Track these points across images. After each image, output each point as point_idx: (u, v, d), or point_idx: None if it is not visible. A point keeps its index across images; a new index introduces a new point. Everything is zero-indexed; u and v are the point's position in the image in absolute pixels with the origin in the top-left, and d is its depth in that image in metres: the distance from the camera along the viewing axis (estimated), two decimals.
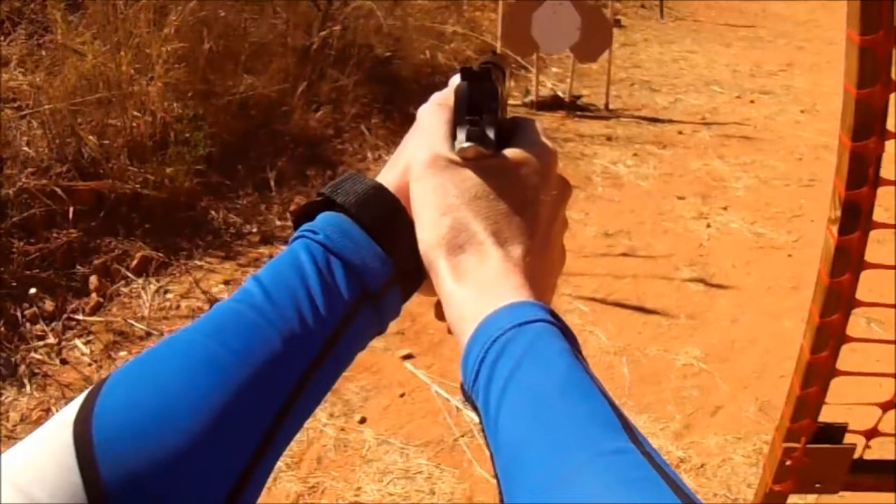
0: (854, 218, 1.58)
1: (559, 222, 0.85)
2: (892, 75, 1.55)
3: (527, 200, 0.80)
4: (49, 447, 0.61)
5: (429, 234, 0.78)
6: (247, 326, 0.71)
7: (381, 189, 0.82)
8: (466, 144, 0.79)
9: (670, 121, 8.08)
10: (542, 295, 0.77)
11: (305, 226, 0.80)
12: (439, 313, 0.82)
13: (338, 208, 0.80)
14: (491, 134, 0.80)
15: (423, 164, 0.80)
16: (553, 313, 0.72)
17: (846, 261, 1.61)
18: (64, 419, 0.63)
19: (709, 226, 5.86)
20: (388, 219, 0.80)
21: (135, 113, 5.18)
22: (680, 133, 7.76)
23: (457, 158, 0.79)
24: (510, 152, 0.81)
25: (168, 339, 0.71)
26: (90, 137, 4.91)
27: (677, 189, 6.49)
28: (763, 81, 9.59)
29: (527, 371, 0.66)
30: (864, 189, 1.56)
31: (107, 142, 5.03)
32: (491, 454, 0.65)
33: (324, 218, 0.80)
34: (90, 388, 0.66)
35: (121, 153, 5.02)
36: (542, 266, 0.80)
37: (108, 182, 4.83)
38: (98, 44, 5.24)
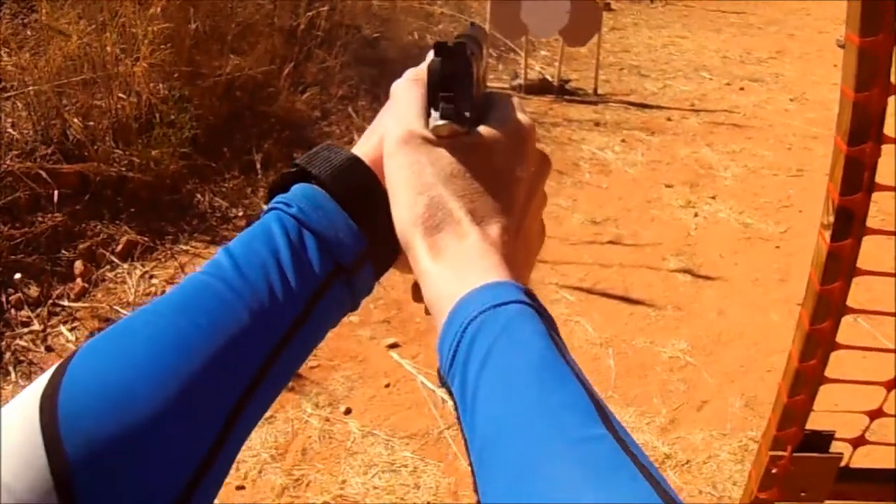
0: (847, 224, 1.56)
1: (538, 199, 0.84)
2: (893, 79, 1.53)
3: (503, 178, 0.79)
4: (15, 420, 0.60)
5: (405, 212, 0.77)
6: (215, 300, 0.70)
7: (356, 161, 0.81)
8: (440, 122, 0.77)
9: (659, 107, 8.08)
10: (520, 273, 0.76)
11: (279, 197, 0.79)
12: (416, 295, 0.81)
13: (312, 179, 0.79)
14: (465, 111, 0.79)
15: (397, 140, 0.78)
16: (530, 293, 0.70)
17: (838, 267, 1.59)
18: (33, 392, 0.62)
19: (696, 215, 5.86)
20: (362, 192, 0.80)
21: (120, 94, 5.14)
22: (668, 119, 7.76)
23: (431, 136, 0.78)
24: (485, 129, 0.80)
25: (137, 311, 0.70)
26: (75, 119, 4.88)
27: (665, 177, 6.49)
28: (753, 69, 9.60)
29: (501, 355, 0.64)
30: (859, 195, 1.55)
31: (92, 123, 4.99)
32: (465, 440, 0.65)
33: (297, 189, 0.79)
34: (60, 361, 0.66)
35: (106, 135, 4.99)
36: (519, 244, 0.79)
37: (93, 165, 4.80)
38: (83, 24, 5.20)
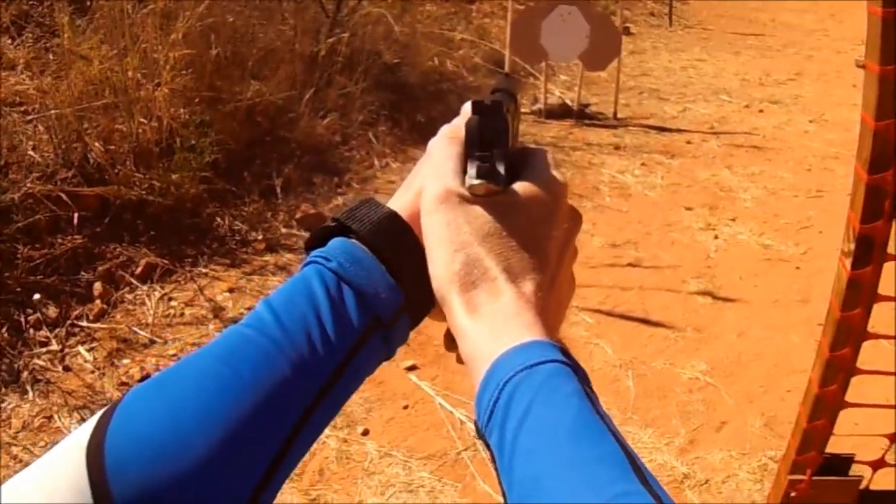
0: (868, 251, 1.56)
1: (570, 253, 0.85)
2: None
3: (537, 235, 0.80)
4: (61, 469, 0.62)
5: (442, 270, 0.77)
6: (258, 353, 0.71)
7: (395, 216, 0.82)
8: (477, 182, 0.78)
9: (679, 130, 8.08)
10: (553, 326, 0.78)
11: (318, 251, 0.80)
12: (449, 344, 0.82)
13: (351, 234, 0.81)
14: (501, 169, 0.79)
15: (434, 198, 0.79)
16: (564, 351, 0.72)
17: (858, 294, 1.59)
18: (78, 441, 0.63)
19: (716, 237, 5.85)
20: (401, 247, 0.81)
21: (141, 119, 5.17)
22: (688, 142, 7.75)
23: (468, 194, 0.79)
24: (520, 187, 0.80)
25: (181, 362, 0.71)
26: (96, 143, 4.90)
27: (685, 199, 6.48)
28: (772, 90, 9.59)
29: (538, 413, 0.66)
30: (879, 223, 1.54)
31: (112, 147, 5.02)
32: (504, 494, 0.65)
33: (336, 244, 0.80)
34: (104, 408, 0.67)
35: (126, 159, 5.02)
36: (552, 298, 0.79)
37: (114, 188, 4.83)
38: (105, 48, 5.23)
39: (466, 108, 0.84)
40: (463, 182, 0.80)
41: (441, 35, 8.77)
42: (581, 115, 8.09)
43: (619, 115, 8.21)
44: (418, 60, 7.92)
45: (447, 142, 0.84)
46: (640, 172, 6.96)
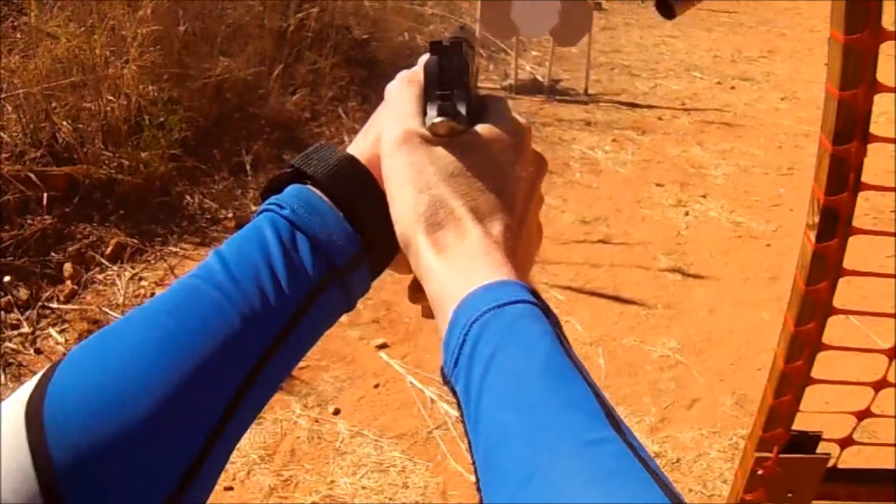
0: (832, 224, 1.55)
1: (535, 199, 0.84)
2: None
3: (503, 177, 0.79)
4: (1, 427, 0.60)
5: (406, 211, 0.76)
6: (206, 304, 0.70)
7: (352, 160, 0.81)
8: (438, 120, 0.77)
9: (650, 106, 8.09)
10: (523, 272, 0.76)
11: (272, 199, 0.78)
12: (413, 296, 0.82)
13: (308, 180, 0.79)
14: (462, 109, 0.79)
15: (395, 140, 0.78)
16: (534, 292, 0.71)
17: (823, 268, 1.58)
18: (19, 398, 0.62)
19: (687, 214, 5.86)
20: (359, 191, 0.80)
21: (109, 97, 5.13)
22: (659, 119, 7.77)
23: (429, 135, 0.78)
24: (483, 128, 0.80)
25: (126, 316, 0.70)
26: (64, 122, 4.87)
27: (656, 176, 6.49)
28: (744, 67, 9.62)
29: (506, 357, 0.64)
30: (844, 195, 1.53)
31: (81, 126, 4.98)
32: (469, 442, 0.64)
33: (291, 191, 0.79)
34: (47, 366, 0.65)
35: (95, 137, 4.98)
36: (520, 242, 0.79)
37: (83, 167, 4.79)
38: (73, 26, 5.19)
39: (425, 56, 0.83)
40: (423, 123, 0.79)
41: (411, 10, 8.74)
42: (552, 91, 8.09)
43: (590, 91, 8.21)
44: (388, 35, 7.90)
45: (405, 84, 0.84)
46: (610, 149, 6.96)
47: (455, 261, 0.74)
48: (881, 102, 1.56)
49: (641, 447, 0.58)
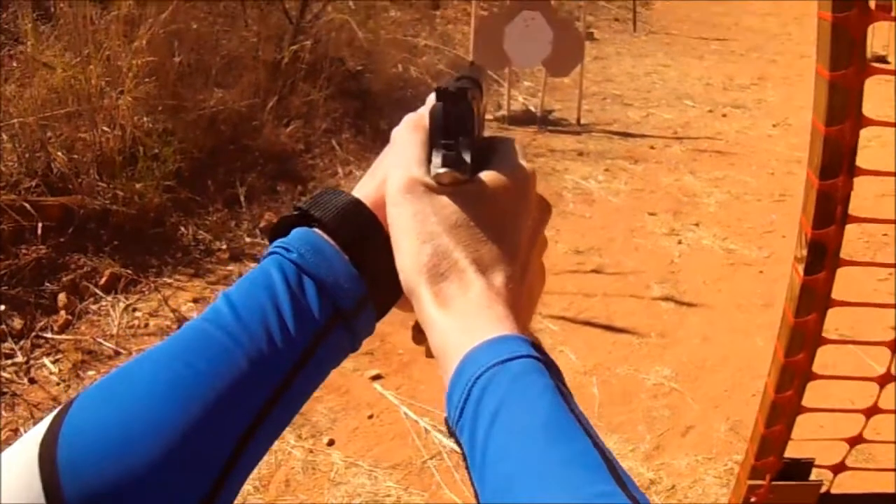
0: (820, 257, 1.57)
1: (539, 244, 0.84)
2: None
3: (506, 226, 0.79)
4: (15, 468, 0.61)
5: (410, 261, 0.76)
6: (214, 347, 0.70)
7: (358, 204, 0.81)
8: (442, 170, 0.77)
9: (642, 135, 8.10)
10: (525, 318, 0.77)
11: (279, 241, 0.79)
12: (417, 337, 0.81)
13: (314, 223, 0.80)
14: (467, 157, 0.79)
15: (399, 188, 0.78)
16: (536, 346, 0.71)
17: (812, 300, 1.60)
18: (32, 438, 0.63)
19: (680, 242, 5.87)
20: (365, 235, 0.80)
21: (104, 127, 5.15)
22: (652, 148, 7.78)
23: (433, 184, 0.78)
24: (487, 177, 0.80)
25: (136, 358, 0.70)
26: (59, 153, 4.88)
27: (648, 205, 6.50)
28: (735, 95, 9.63)
29: (510, 412, 0.65)
30: (832, 228, 1.55)
31: (76, 156, 4.99)
32: (476, 493, 0.65)
33: (298, 234, 0.79)
34: (59, 407, 0.66)
35: (90, 168, 4.99)
36: (523, 290, 0.79)
37: (78, 198, 4.80)
38: (69, 56, 5.21)
39: (431, 97, 0.83)
40: (428, 171, 0.79)
41: (405, 41, 8.77)
42: (544, 122, 8.10)
43: (582, 121, 8.23)
44: (382, 67, 7.91)
45: (411, 129, 0.84)
46: (603, 178, 6.98)
47: (458, 314, 0.74)
48: (873, 126, 1.58)
49: (642, 495, 0.59)
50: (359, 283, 0.78)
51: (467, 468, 0.67)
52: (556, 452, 0.62)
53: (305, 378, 0.74)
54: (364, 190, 0.84)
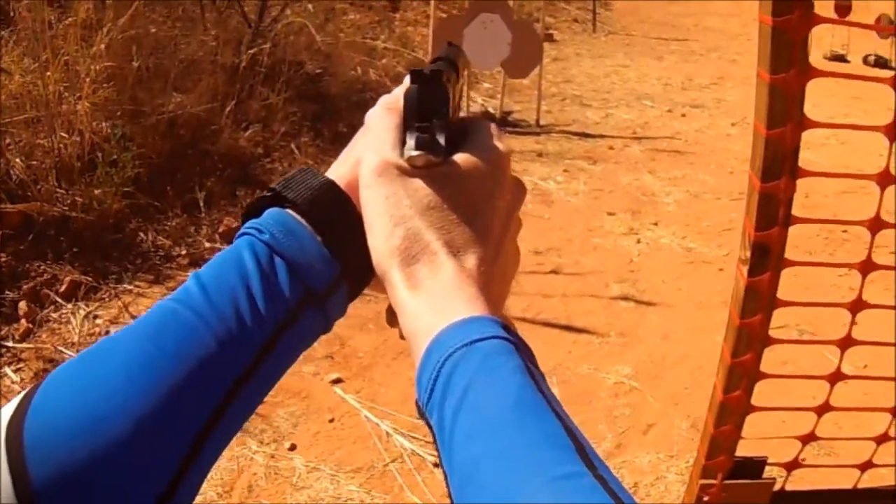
0: (763, 258, 1.59)
1: (513, 225, 0.84)
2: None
3: (479, 208, 0.79)
4: None
5: (382, 244, 0.77)
6: (182, 327, 0.71)
7: (332, 185, 0.82)
8: (415, 153, 0.77)
9: (601, 136, 8.13)
10: (497, 301, 0.78)
11: (251, 222, 0.79)
12: (390, 319, 0.81)
13: (287, 204, 0.80)
14: (441, 140, 0.79)
15: (372, 171, 0.79)
16: (507, 327, 0.71)
17: (757, 301, 1.62)
18: (1, 418, 0.64)
19: (639, 241, 5.90)
20: (338, 216, 0.80)
21: (63, 133, 5.12)
22: (611, 148, 7.81)
23: (407, 167, 0.78)
24: (460, 158, 0.80)
25: (105, 339, 0.71)
26: (17, 159, 4.85)
27: (607, 205, 6.53)
28: (695, 95, 9.68)
29: (478, 392, 0.65)
30: (774, 230, 1.57)
31: (35, 163, 4.97)
32: (445, 474, 0.66)
33: (271, 215, 0.79)
34: (27, 388, 0.67)
35: (49, 175, 4.96)
36: (496, 271, 0.79)
37: (37, 204, 4.78)
38: (27, 61, 5.18)
39: (407, 80, 0.83)
40: (401, 154, 0.79)
41: (364, 44, 8.76)
42: (504, 123, 8.11)
43: (541, 122, 8.26)
44: (341, 70, 7.90)
45: (385, 112, 0.83)
46: (562, 179, 7.00)
47: (428, 296, 0.74)
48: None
49: (614, 479, 0.59)
50: (331, 265, 0.78)
51: (437, 451, 0.67)
52: (524, 433, 0.62)
53: (276, 358, 0.75)
54: (338, 171, 0.84)
